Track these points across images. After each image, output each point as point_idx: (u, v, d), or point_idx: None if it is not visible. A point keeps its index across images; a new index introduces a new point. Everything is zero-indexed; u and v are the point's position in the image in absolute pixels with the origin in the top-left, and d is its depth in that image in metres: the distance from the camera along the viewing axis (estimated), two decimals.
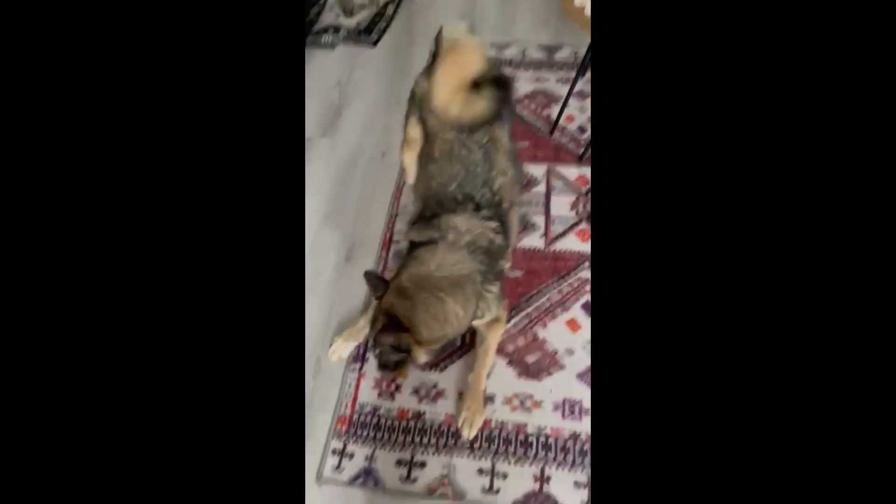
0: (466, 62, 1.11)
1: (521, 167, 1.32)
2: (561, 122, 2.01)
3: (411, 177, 1.42)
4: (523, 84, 2.22)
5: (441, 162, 1.19)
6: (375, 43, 2.46)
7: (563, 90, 2.14)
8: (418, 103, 1.27)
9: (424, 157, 1.29)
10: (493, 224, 1.22)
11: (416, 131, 1.33)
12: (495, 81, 1.14)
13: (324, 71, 2.39)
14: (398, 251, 1.77)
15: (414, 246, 1.27)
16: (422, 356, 1.19)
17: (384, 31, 2.50)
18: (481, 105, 1.11)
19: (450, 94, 1.09)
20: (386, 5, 2.57)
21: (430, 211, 1.24)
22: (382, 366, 1.22)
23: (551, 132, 2.02)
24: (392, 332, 1.13)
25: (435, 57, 1.17)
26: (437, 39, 1.24)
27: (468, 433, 1.38)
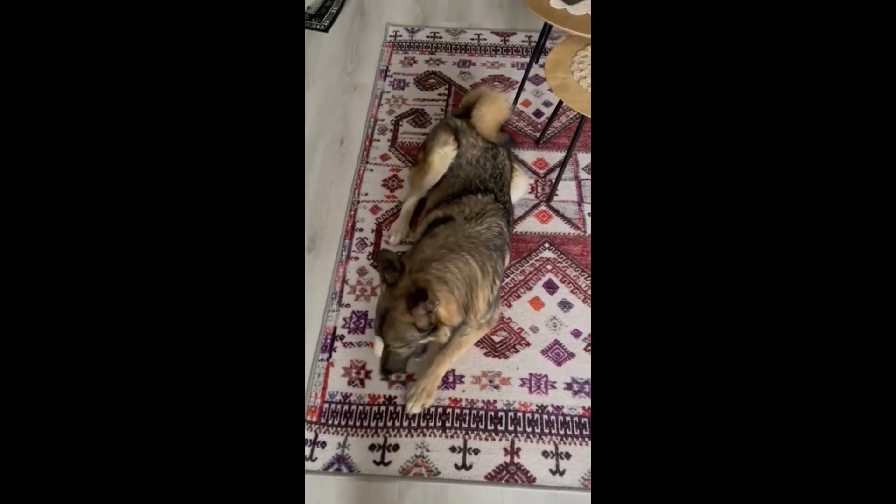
0: (500, 109, 1.75)
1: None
2: (518, 106, 2.05)
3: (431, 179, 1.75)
4: (480, 70, 2.24)
5: (467, 167, 1.68)
6: (327, 28, 2.40)
7: (518, 75, 2.17)
8: (454, 131, 1.76)
9: (454, 164, 1.71)
10: (502, 209, 1.56)
11: (447, 144, 1.76)
12: (508, 137, 1.80)
13: None
14: (361, 239, 1.76)
15: (433, 225, 1.50)
16: (445, 332, 1.36)
17: (336, 16, 2.45)
18: (501, 137, 1.77)
19: (490, 124, 1.73)
20: None
21: (456, 194, 1.59)
22: (392, 365, 1.39)
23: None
24: (423, 299, 1.24)
25: (470, 108, 1.77)
26: (471, 98, 1.84)
27: (411, 408, 1.41)
